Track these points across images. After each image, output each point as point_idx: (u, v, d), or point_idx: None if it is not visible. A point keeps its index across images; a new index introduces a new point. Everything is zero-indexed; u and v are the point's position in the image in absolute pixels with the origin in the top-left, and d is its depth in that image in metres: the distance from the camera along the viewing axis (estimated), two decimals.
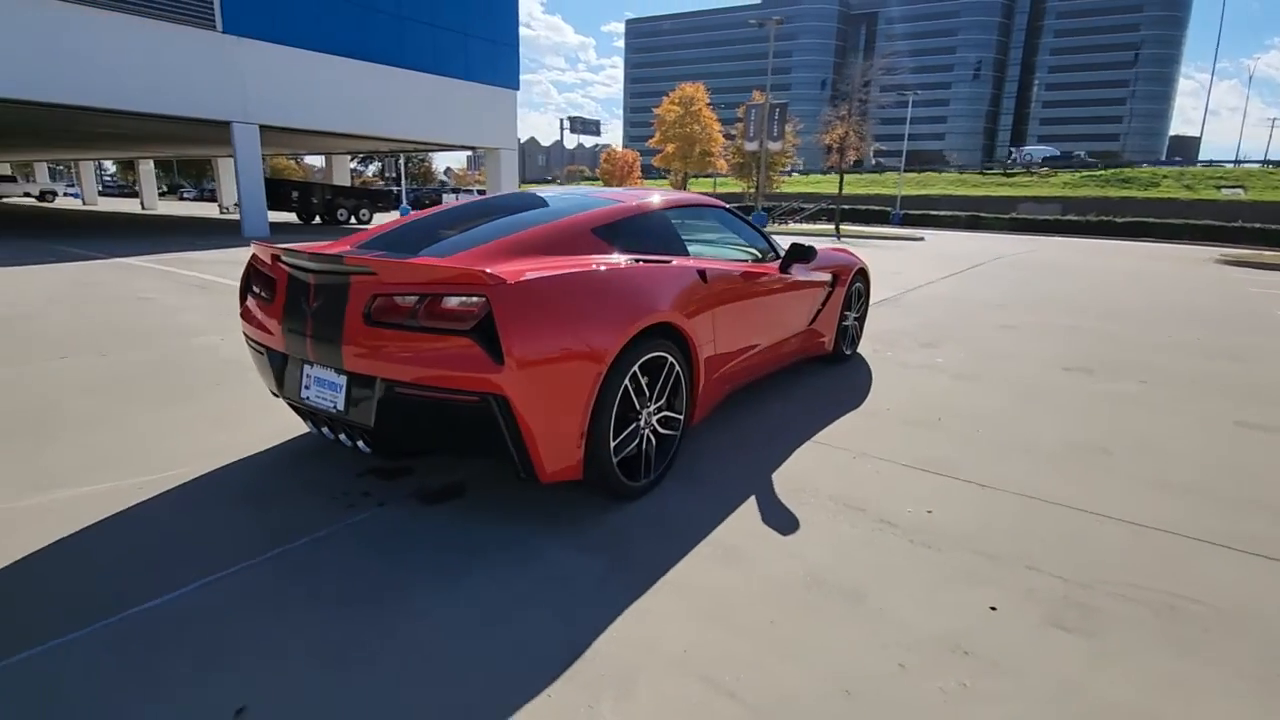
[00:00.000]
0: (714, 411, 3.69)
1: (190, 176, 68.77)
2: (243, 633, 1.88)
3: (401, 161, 41.08)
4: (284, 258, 2.58)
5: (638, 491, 2.72)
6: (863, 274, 5.01)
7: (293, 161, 65.08)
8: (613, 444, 2.53)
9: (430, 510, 2.62)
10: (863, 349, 5.44)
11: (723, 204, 3.92)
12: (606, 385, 2.44)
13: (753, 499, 2.78)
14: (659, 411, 2.80)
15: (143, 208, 32.24)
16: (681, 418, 2.93)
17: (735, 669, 1.80)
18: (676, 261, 3.05)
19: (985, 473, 3.09)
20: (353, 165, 72.11)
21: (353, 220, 24.74)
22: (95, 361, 4.52)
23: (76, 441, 3.18)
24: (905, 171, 45.15)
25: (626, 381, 2.54)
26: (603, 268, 2.58)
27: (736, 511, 2.67)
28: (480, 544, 2.37)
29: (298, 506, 2.62)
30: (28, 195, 41.48)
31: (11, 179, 43.81)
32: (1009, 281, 10.99)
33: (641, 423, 2.70)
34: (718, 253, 3.64)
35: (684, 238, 3.39)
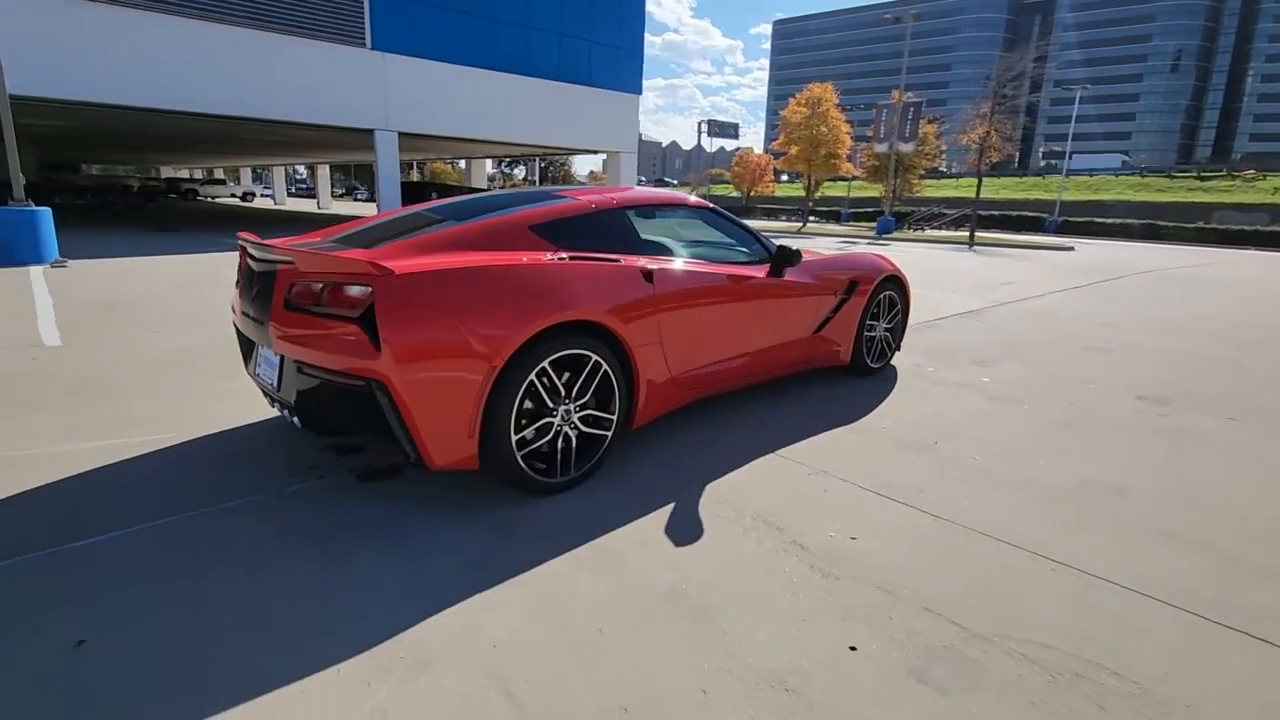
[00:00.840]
0: (682, 412, 3.61)
1: (365, 179, 76.57)
2: (119, 576, 2.11)
3: (538, 164, 43.07)
4: (246, 247, 2.85)
5: (553, 488, 2.73)
6: (895, 282, 4.65)
7: (449, 166, 70.46)
8: (515, 438, 2.56)
9: (359, 488, 2.78)
10: (905, 362, 5.05)
11: (707, 204, 3.80)
12: (503, 379, 2.47)
13: (670, 506, 2.70)
14: (582, 410, 2.79)
15: (318, 207, 36.25)
16: (613, 418, 2.89)
17: (531, 670, 1.78)
18: (625, 261, 3.01)
19: (951, 505, 2.78)
20: (501, 169, 76.67)
21: None
22: (178, 338, 5.19)
23: (121, 402, 3.69)
24: (1072, 174, 40.83)
25: (534, 377, 2.56)
26: (506, 263, 2.61)
27: (645, 517, 2.60)
28: (379, 525, 2.49)
29: (255, 473, 2.88)
30: (233, 196, 48.09)
31: (222, 182, 50.99)
32: (1138, 299, 9.65)
33: (558, 420, 2.71)
34: (695, 253, 3.54)
35: (652, 238, 3.35)
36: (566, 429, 2.75)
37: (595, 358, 2.76)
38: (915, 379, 4.65)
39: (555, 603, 2.07)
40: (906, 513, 2.71)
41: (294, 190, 63.90)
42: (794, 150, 27.13)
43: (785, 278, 3.78)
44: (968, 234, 22.40)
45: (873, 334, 4.57)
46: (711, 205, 3.81)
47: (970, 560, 2.37)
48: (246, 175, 56.79)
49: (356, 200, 61.19)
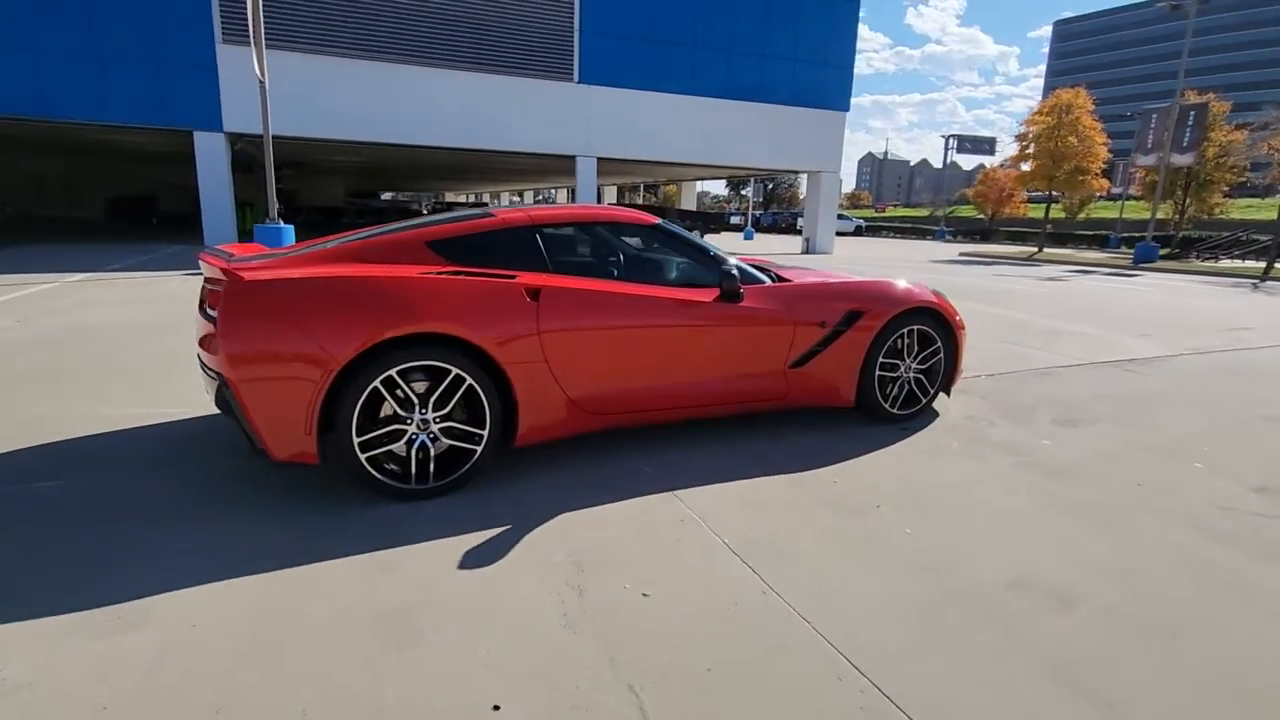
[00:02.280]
0: (608, 437, 3.47)
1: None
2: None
3: (755, 186, 43.10)
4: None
5: (408, 494, 2.81)
6: (929, 315, 3.94)
7: (675, 188, 73.60)
8: (358, 440, 2.70)
9: (261, 470, 3.08)
10: (958, 411, 4.25)
11: (654, 222, 3.57)
12: (342, 384, 2.63)
13: (495, 532, 2.63)
14: (444, 421, 2.84)
15: None
16: (483, 433, 2.90)
17: (197, 657, 1.89)
18: (521, 278, 3.01)
19: (809, 584, 2.32)
20: (738, 191, 77.87)
21: None
22: None
23: (161, 383, 4.51)
24: None
25: (379, 384, 2.69)
26: (359, 275, 2.75)
27: (459, 537, 2.57)
28: (229, 506, 2.77)
29: (215, 449, 3.39)
30: None
31: (483, 204, 59.11)
32: None
33: (412, 429, 2.79)
34: (628, 274, 3.38)
35: (573, 256, 3.29)
36: (425, 438, 2.82)
37: (456, 371, 2.80)
38: (948, 432, 3.90)
39: (258, 599, 2.14)
40: (742, 581, 2.33)
41: None
42: (1033, 165, 23.75)
43: (742, 304, 3.44)
44: (1264, 266, 17.76)
45: (894, 374, 3.93)
46: (664, 225, 3.60)
47: (749, 649, 1.98)
48: (505, 199, 65.04)
49: None
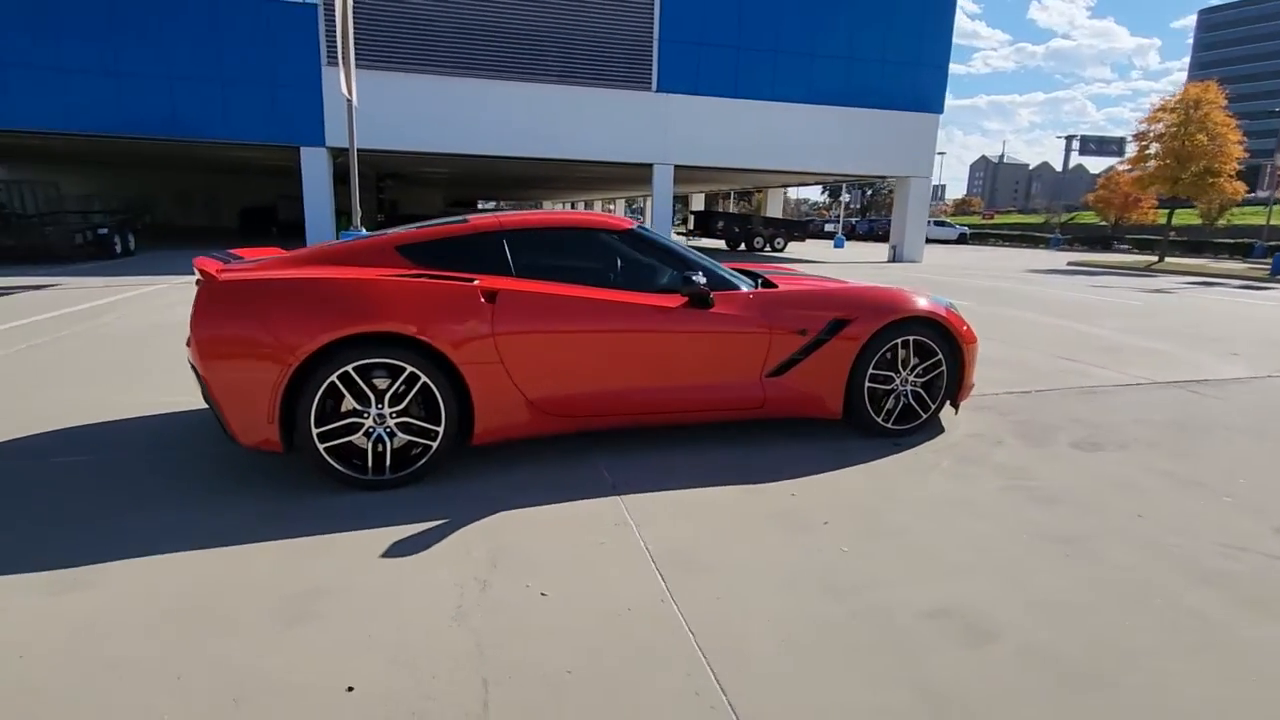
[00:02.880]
0: (581, 439, 3.50)
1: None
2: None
3: (852, 192, 41.75)
4: None
5: (366, 484, 2.97)
6: (923, 323, 3.72)
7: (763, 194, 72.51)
8: (317, 431, 2.88)
9: (246, 458, 3.31)
10: (969, 427, 3.98)
11: (628, 228, 3.56)
12: (301, 378, 2.82)
13: (430, 525, 2.72)
14: (400, 417, 2.98)
15: None
16: (438, 430, 3.02)
17: (122, 643, 2.09)
18: (482, 281, 3.11)
19: (706, 592, 2.28)
20: (838, 198, 75.91)
21: (767, 248, 26.71)
22: None
23: None
24: None
25: (336, 379, 2.86)
26: (322, 276, 2.94)
27: (394, 528, 2.68)
28: (204, 489, 3.02)
29: (218, 438, 3.69)
30: None
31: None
32: None
33: (369, 422, 2.95)
34: (596, 280, 3.39)
35: (539, 261, 3.35)
36: (382, 432, 2.97)
37: (410, 369, 2.93)
38: (945, 450, 3.66)
39: (210, 577, 2.33)
40: (646, 588, 2.30)
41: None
42: (1152, 166, 21.65)
43: (712, 311, 3.38)
44: None
45: (888, 387, 3.74)
46: (638, 231, 3.60)
47: (619, 656, 1.96)
48: (598, 207, 66.51)
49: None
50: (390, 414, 2.97)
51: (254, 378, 2.82)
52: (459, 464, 3.28)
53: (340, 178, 27.25)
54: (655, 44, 18.46)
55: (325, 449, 2.91)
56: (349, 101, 11.54)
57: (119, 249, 14.52)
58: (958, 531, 2.75)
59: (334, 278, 2.95)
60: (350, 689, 1.80)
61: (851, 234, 43.79)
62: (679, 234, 29.87)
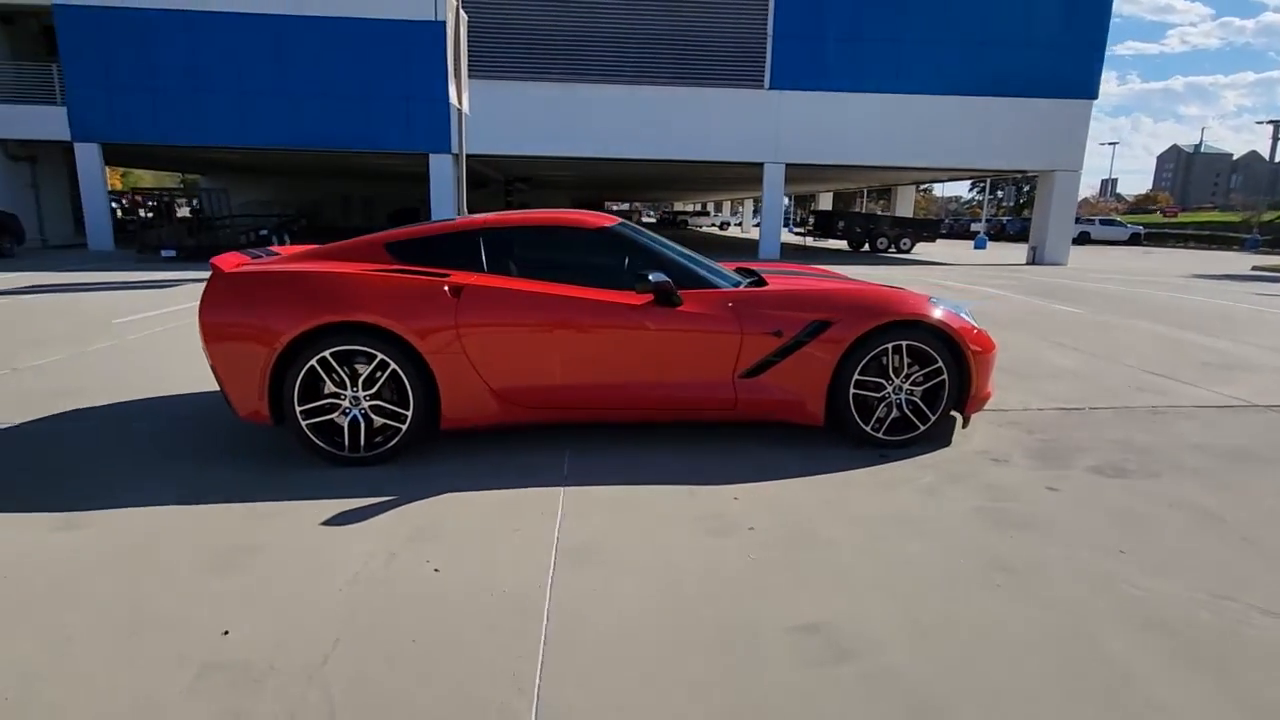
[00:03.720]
0: (555, 431, 3.63)
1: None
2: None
3: (1006, 189, 38.47)
4: None
5: (343, 460, 3.28)
6: (919, 328, 3.45)
7: (922, 194, 68.37)
8: (300, 409, 3.21)
9: (262, 431, 3.74)
10: (979, 442, 3.65)
11: (601, 225, 3.60)
12: (285, 360, 3.17)
13: (373, 500, 2.95)
14: (372, 400, 3.25)
15: (742, 231, 40.20)
16: (408, 413, 3.26)
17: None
18: (454, 277, 3.32)
19: (582, 587, 2.32)
20: (973, 194, 70.46)
21: (892, 249, 25.32)
22: None
23: None
24: None
25: (315, 364, 3.18)
26: (307, 270, 3.27)
27: (337, 500, 2.93)
28: (214, 454, 3.46)
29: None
30: (712, 225, 56.73)
31: (706, 213, 60.66)
32: None
33: (345, 403, 3.25)
34: (565, 276, 3.48)
35: (512, 258, 3.50)
36: (357, 413, 3.26)
37: (381, 356, 3.20)
38: (936, 464, 3.39)
39: (171, 528, 2.69)
40: (531, 577, 2.38)
41: (756, 221, 71.37)
42: None
43: (679, 310, 3.37)
44: None
45: (878, 394, 3.52)
46: (617, 229, 3.65)
47: (465, 633, 2.07)
48: (727, 208, 66.08)
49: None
50: (364, 397, 3.25)
51: (246, 358, 3.20)
52: (435, 448, 3.52)
53: (476, 182, 29.05)
54: (769, 40, 18.13)
55: (308, 425, 3.24)
56: (460, 111, 12.41)
57: (276, 244, 16.56)
58: (885, 551, 2.57)
59: (316, 271, 3.28)
60: (226, 632, 2.04)
61: (1000, 234, 40.42)
62: (797, 234, 29.04)
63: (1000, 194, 65.60)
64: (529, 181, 31.72)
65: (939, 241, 26.56)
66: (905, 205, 30.35)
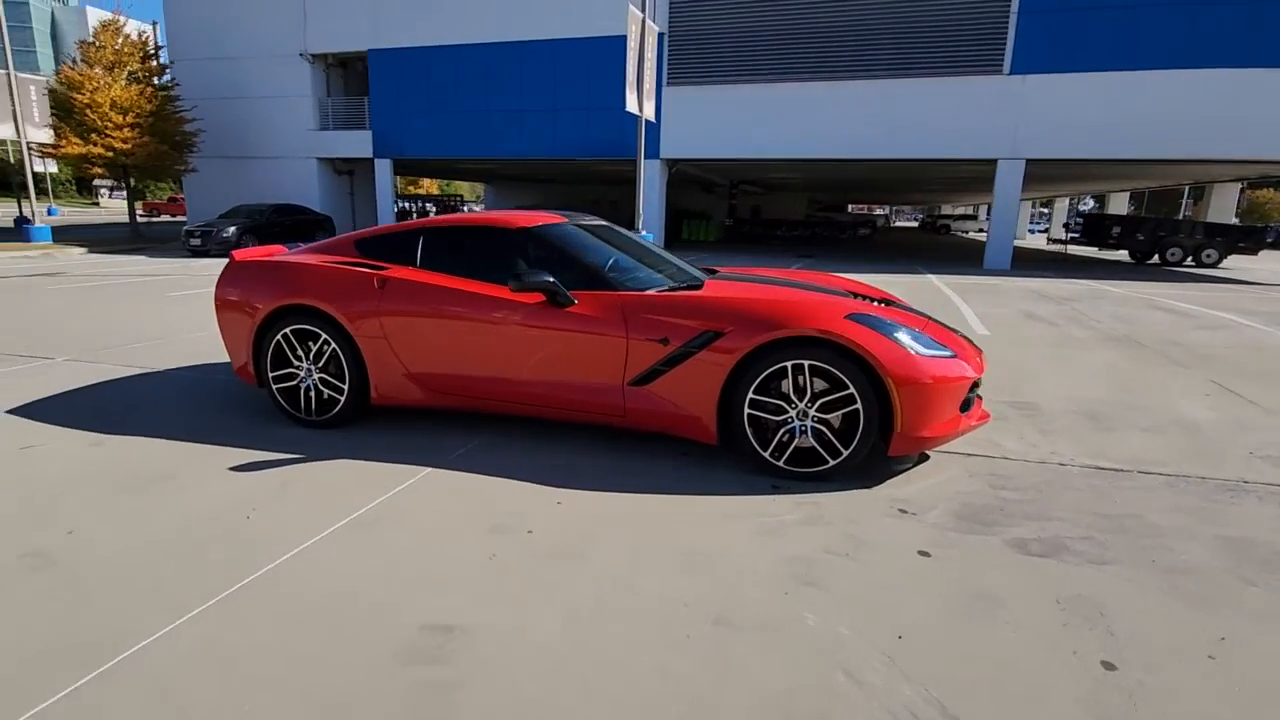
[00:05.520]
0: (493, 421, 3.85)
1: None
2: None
3: None
4: None
5: (302, 422, 3.89)
6: (826, 347, 2.96)
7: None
8: (271, 375, 3.89)
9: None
10: (918, 493, 3.02)
11: (520, 227, 3.66)
12: (261, 335, 3.86)
13: (285, 455, 3.46)
14: (320, 373, 3.81)
15: (1018, 239, 35.07)
16: (344, 387, 3.75)
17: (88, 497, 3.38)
18: (390, 270, 3.74)
19: (332, 552, 2.54)
20: None
21: (1189, 262, 20.37)
22: None
23: None
24: None
25: (280, 339, 3.83)
26: (280, 261, 3.92)
27: (265, 453, 3.50)
28: (249, 405, 4.29)
29: None
30: (980, 230, 50.87)
31: (972, 217, 54.45)
32: None
33: (301, 374, 3.85)
34: (489, 274, 3.63)
35: (447, 255, 3.78)
36: (310, 383, 3.84)
37: (324, 335, 3.73)
38: (816, 505, 2.90)
39: (155, 457, 3.48)
40: (315, 533, 2.67)
41: (1043, 228, 61.76)
42: None
43: (568, 310, 3.35)
44: None
45: (779, 417, 3.12)
46: (536, 231, 3.72)
47: (200, 561, 2.44)
48: (984, 212, 58.32)
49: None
50: (315, 370, 3.81)
51: (238, 326, 3.97)
52: (388, 420, 3.97)
53: (703, 186, 29.77)
54: (1012, 16, 15.84)
55: (278, 389, 3.90)
56: (639, 118, 13.02)
57: None
58: (622, 575, 2.36)
59: (287, 263, 3.92)
60: (70, 532, 2.67)
61: None
62: (1056, 242, 24.65)
63: None
64: (756, 184, 31.58)
65: (1263, 254, 20.59)
66: (1224, 208, 24.12)
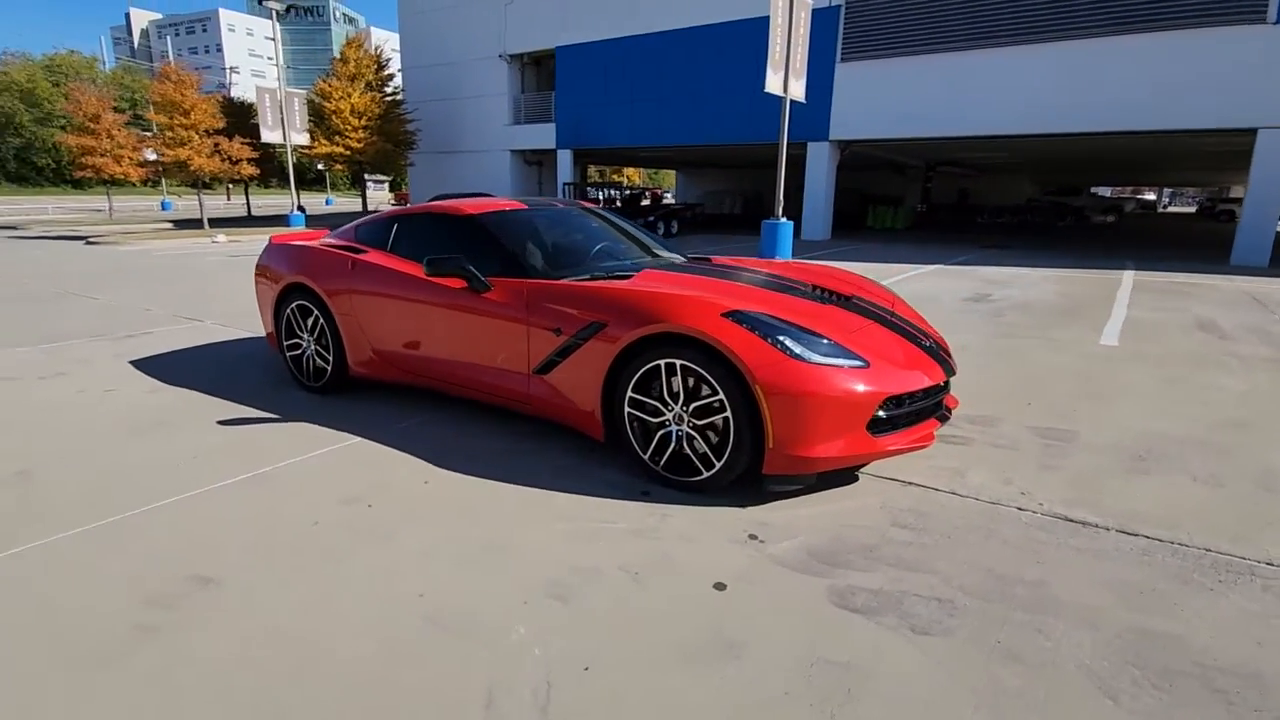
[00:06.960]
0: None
1: None
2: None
3: None
4: None
5: (307, 388, 4.40)
6: (693, 346, 2.66)
7: None
8: (284, 343, 4.45)
9: None
10: (802, 520, 2.62)
11: (466, 214, 3.71)
12: (279, 307, 4.42)
13: (258, 414, 3.94)
14: (316, 345, 4.27)
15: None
16: (329, 358, 4.18)
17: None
18: (367, 254, 4.07)
19: (202, 510, 2.89)
20: None
21: None
22: None
23: None
24: None
25: (288, 312, 4.35)
26: (294, 242, 4.40)
27: (257, 410, 4.02)
28: (272, 372, 4.94)
29: None
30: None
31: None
32: None
33: (304, 345, 4.34)
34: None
35: (418, 240, 3.99)
36: (310, 352, 4.32)
37: (316, 311, 4.17)
38: (651, 516, 2.64)
39: (172, 405, 4.18)
40: (208, 483, 3.06)
41: None
42: None
43: (484, 296, 3.38)
44: None
45: (657, 419, 2.89)
46: (479, 218, 3.77)
47: (110, 503, 2.91)
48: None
49: None
50: (312, 340, 4.28)
51: (267, 296, 4.56)
52: (379, 393, 4.33)
53: (896, 168, 27.67)
54: None
55: (290, 356, 4.45)
56: (782, 99, 12.40)
57: (660, 232, 19.22)
58: (401, 562, 2.37)
59: (300, 245, 4.42)
60: (24, 472, 3.32)
61: None
62: None
63: None
64: (957, 165, 28.32)
65: None
66: None
